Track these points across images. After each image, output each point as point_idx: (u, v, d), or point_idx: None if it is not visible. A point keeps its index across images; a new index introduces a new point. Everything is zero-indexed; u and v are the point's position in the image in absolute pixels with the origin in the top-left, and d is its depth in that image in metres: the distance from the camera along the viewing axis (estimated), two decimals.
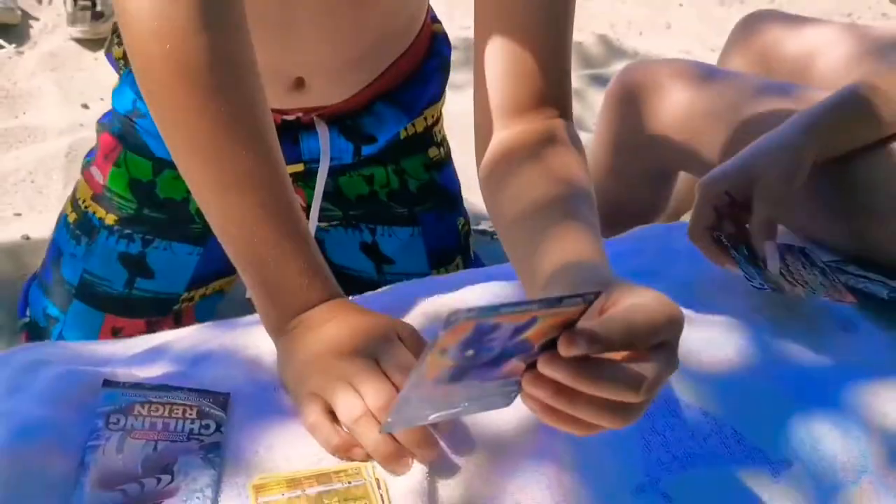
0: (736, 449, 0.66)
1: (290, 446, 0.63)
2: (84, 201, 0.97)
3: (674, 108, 1.01)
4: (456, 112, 1.72)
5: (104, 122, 0.99)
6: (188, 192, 0.96)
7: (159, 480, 0.59)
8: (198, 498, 0.59)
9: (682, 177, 1.18)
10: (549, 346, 0.46)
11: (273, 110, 0.89)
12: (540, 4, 0.67)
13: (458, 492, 0.61)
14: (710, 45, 2.57)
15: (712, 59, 1.52)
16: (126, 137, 0.95)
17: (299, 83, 0.87)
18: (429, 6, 0.97)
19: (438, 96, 1.02)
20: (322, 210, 1.00)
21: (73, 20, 2.31)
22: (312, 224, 0.97)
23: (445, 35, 1.02)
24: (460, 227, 1.10)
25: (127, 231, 0.95)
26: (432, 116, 1.02)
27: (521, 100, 0.68)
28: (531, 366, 0.47)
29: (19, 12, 2.41)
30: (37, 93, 2.01)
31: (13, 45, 2.24)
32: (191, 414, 0.64)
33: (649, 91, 1.04)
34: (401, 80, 0.95)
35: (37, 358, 0.69)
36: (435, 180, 1.04)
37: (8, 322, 1.25)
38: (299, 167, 0.95)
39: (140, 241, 0.96)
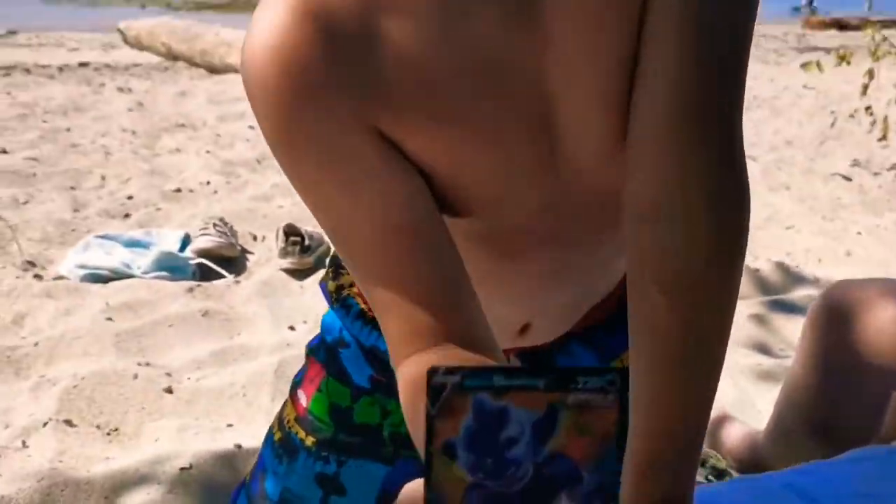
0: None
1: None
2: (288, 422, 1.05)
3: (886, 326, 1.01)
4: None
5: (312, 347, 1.07)
6: (383, 417, 1.02)
7: None
8: None
9: None
10: (597, 469, 0.37)
11: None
12: None
13: None
14: (894, 271, 2.51)
15: None
16: (329, 364, 1.02)
17: (525, 329, 0.91)
18: None
19: None
20: None
21: (283, 254, 2.61)
22: None
23: None
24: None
25: (324, 453, 1.01)
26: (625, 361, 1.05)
27: None
28: None
29: (238, 247, 2.75)
30: (251, 316, 2.24)
31: (232, 276, 2.54)
32: None
33: (859, 309, 1.04)
34: (599, 323, 0.98)
35: None
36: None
37: None
38: None
39: (335, 462, 1.01)
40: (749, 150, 0.86)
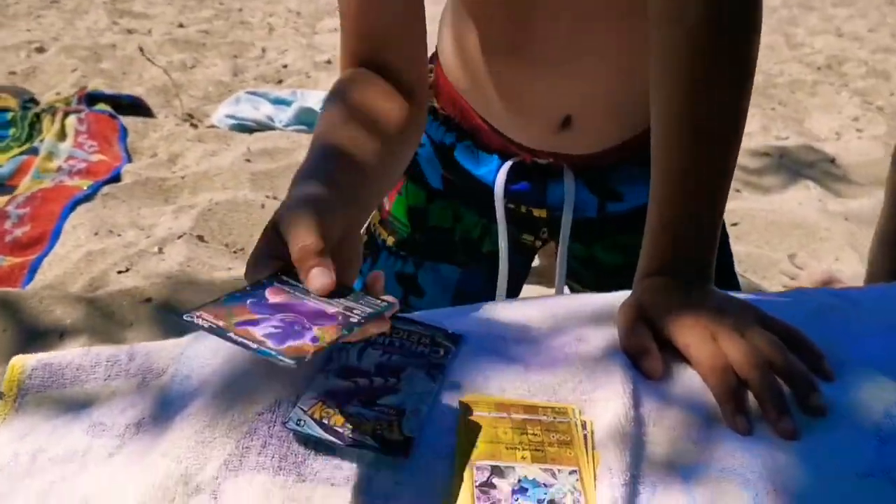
0: None
1: (506, 381, 0.67)
2: (373, 225, 1.10)
3: None
4: (755, 209, 1.68)
5: None
6: (455, 221, 1.06)
7: (386, 380, 0.67)
8: (415, 399, 0.65)
9: None
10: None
11: (527, 150, 0.96)
12: None
13: (663, 449, 0.60)
14: None
15: None
16: (409, 167, 1.08)
17: (565, 123, 0.91)
18: None
19: None
20: (575, 272, 1.00)
21: None
22: (561, 268, 0.99)
23: None
24: None
25: (402, 252, 1.05)
26: None
27: None
28: None
29: None
30: None
31: None
32: (425, 341, 0.71)
33: None
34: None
35: None
36: None
37: None
38: (543, 212, 0.99)
39: (412, 263, 1.05)
40: None
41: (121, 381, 0.69)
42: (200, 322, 0.53)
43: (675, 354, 0.67)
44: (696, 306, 0.67)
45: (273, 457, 0.59)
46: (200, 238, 1.81)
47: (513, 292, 1.07)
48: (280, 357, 0.50)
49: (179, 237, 1.79)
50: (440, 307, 1.06)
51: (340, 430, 0.60)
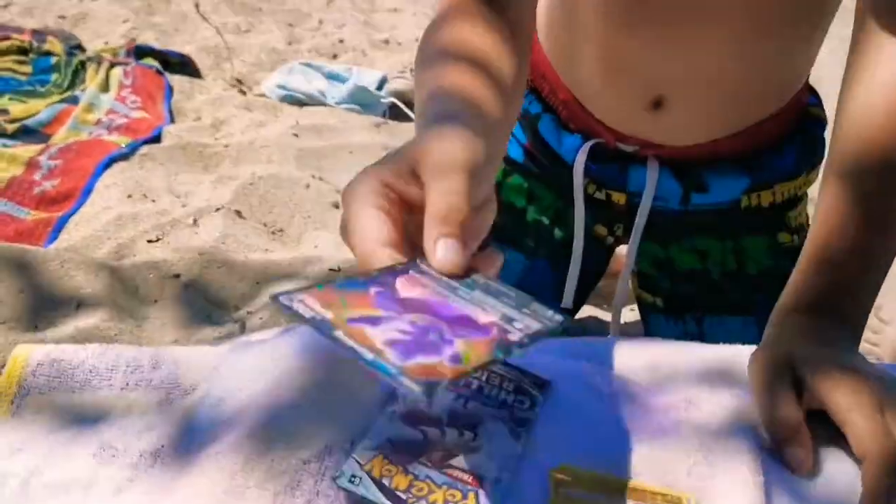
0: None
1: (597, 444, 0.55)
2: None
3: None
4: None
5: None
6: (528, 201, 0.97)
7: (462, 434, 0.54)
8: (496, 465, 0.52)
9: None
10: None
11: (613, 132, 0.87)
12: None
13: None
14: None
15: None
16: None
17: (657, 103, 0.82)
18: (809, 86, 0.88)
19: (795, 173, 0.90)
20: (648, 277, 0.91)
21: None
22: (630, 258, 0.90)
23: (823, 120, 0.91)
24: None
25: None
26: (785, 194, 0.90)
27: None
28: None
29: None
30: None
31: None
32: (508, 386, 0.59)
33: None
34: (752, 147, 0.86)
35: None
36: (781, 269, 0.91)
37: None
38: (622, 197, 0.90)
39: None
40: None
41: (140, 392, 0.57)
42: (300, 309, 0.37)
43: (820, 428, 0.54)
44: (858, 368, 0.54)
45: None
46: (238, 213, 1.70)
47: (581, 294, 0.97)
48: (402, 378, 0.34)
49: (217, 210, 1.68)
50: None
51: (403, 496, 0.48)
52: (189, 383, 0.58)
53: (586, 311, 1.44)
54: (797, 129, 0.89)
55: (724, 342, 0.93)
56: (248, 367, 0.57)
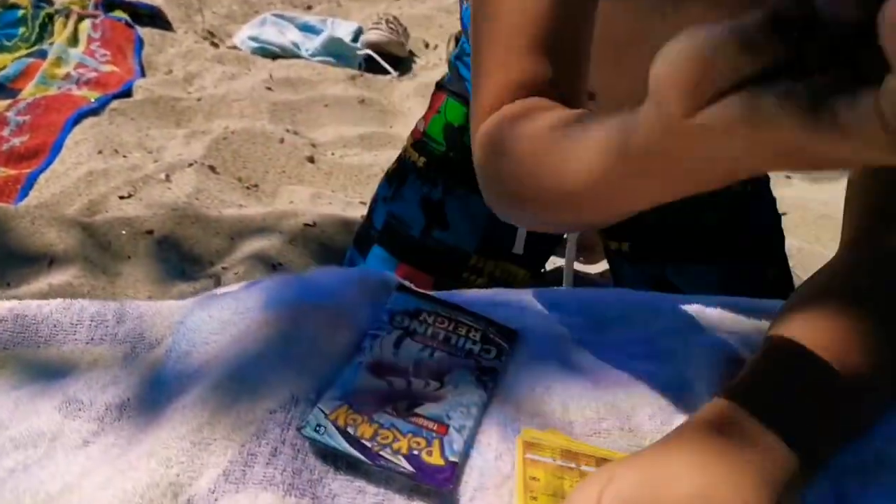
0: None
1: (570, 397, 0.55)
2: (405, 150, 1.00)
3: None
4: (806, 199, 1.55)
5: (439, 82, 1.02)
6: None
7: (427, 384, 0.55)
8: (461, 413, 0.53)
9: None
10: None
11: None
12: None
13: None
14: None
15: None
16: (451, 83, 0.97)
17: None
18: None
19: None
20: (613, 225, 0.92)
21: None
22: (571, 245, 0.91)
23: None
24: (771, 277, 0.95)
25: (432, 174, 0.96)
26: None
27: None
28: None
29: (408, 49, 2.68)
30: (405, 112, 2.19)
31: (396, 73, 2.48)
32: (474, 335, 0.59)
33: None
34: None
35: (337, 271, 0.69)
36: (738, 218, 0.91)
37: None
38: None
39: (442, 188, 0.95)
40: None
41: (106, 346, 0.57)
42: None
43: None
44: None
45: (284, 470, 0.47)
46: (212, 168, 1.68)
47: (547, 243, 0.97)
48: None
49: (189, 165, 1.66)
50: (465, 244, 0.95)
51: (368, 444, 0.49)
52: (155, 337, 0.57)
53: (556, 262, 1.45)
54: None
55: (688, 289, 0.94)
56: (214, 319, 0.57)
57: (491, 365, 0.57)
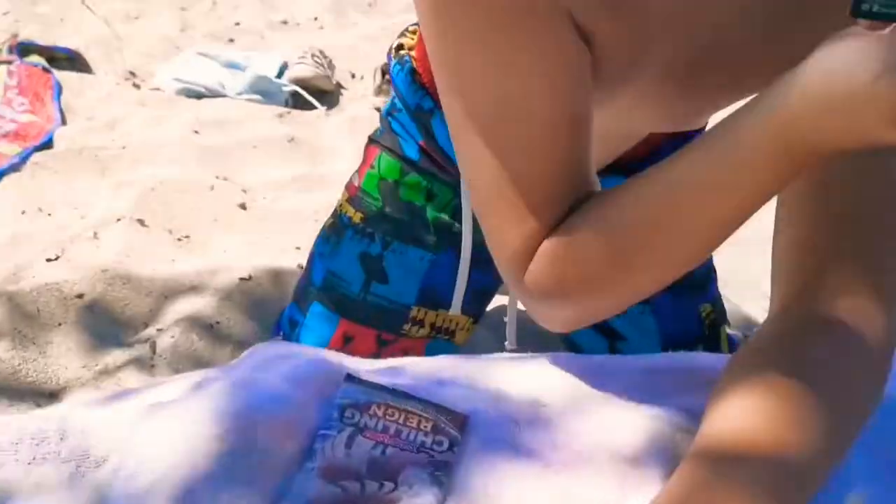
0: None
1: (524, 484, 0.56)
2: (341, 206, 1.00)
3: None
4: None
5: (371, 136, 1.02)
6: (427, 199, 0.96)
7: (382, 486, 0.55)
8: None
9: None
10: None
11: None
12: None
13: None
14: None
15: None
16: (383, 138, 0.97)
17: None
18: None
19: None
20: None
21: (378, 91, 2.51)
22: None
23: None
24: (703, 314, 0.98)
25: (370, 230, 0.96)
26: None
27: None
28: None
29: (334, 82, 2.67)
30: (336, 148, 2.18)
31: (324, 108, 2.47)
32: (425, 426, 0.60)
33: None
34: (637, 160, 0.90)
35: (284, 352, 0.69)
36: None
37: (263, 340, 1.31)
38: None
39: (380, 243, 0.96)
40: None
41: (48, 468, 0.56)
42: None
43: None
44: None
45: None
46: (141, 222, 1.65)
47: (479, 288, 0.98)
48: None
49: (118, 220, 1.63)
50: (405, 298, 0.96)
51: None
52: (100, 454, 0.56)
53: (499, 300, 1.46)
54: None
55: (625, 325, 0.96)
56: (161, 434, 0.56)
57: (444, 458, 0.58)
